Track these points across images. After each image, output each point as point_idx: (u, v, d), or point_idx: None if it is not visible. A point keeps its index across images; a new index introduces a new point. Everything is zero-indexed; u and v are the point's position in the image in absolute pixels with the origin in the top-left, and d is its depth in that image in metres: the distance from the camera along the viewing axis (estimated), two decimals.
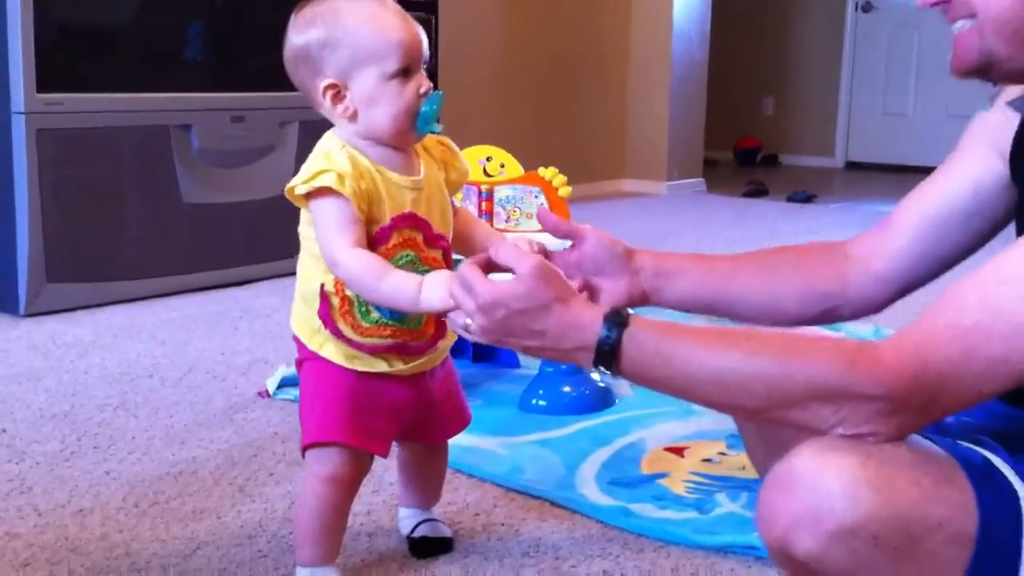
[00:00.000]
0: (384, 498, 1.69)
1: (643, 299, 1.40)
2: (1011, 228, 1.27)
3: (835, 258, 1.39)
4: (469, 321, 1.16)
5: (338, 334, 1.36)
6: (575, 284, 1.34)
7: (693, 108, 6.27)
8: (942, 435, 1.14)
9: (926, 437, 1.12)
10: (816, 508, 1.01)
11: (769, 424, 1.16)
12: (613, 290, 1.37)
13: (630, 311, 1.13)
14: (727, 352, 1.08)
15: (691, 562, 1.56)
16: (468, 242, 1.47)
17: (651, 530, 1.64)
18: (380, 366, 1.38)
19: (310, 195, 1.31)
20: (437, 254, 1.39)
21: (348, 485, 1.42)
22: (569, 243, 1.37)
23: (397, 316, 1.35)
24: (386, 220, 1.33)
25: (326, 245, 1.31)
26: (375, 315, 1.35)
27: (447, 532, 1.60)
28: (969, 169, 1.30)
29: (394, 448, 1.50)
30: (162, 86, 3.22)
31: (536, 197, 2.46)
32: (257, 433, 2.06)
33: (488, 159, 2.50)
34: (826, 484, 1.01)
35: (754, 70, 8.24)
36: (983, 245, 1.33)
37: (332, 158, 1.32)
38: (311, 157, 1.35)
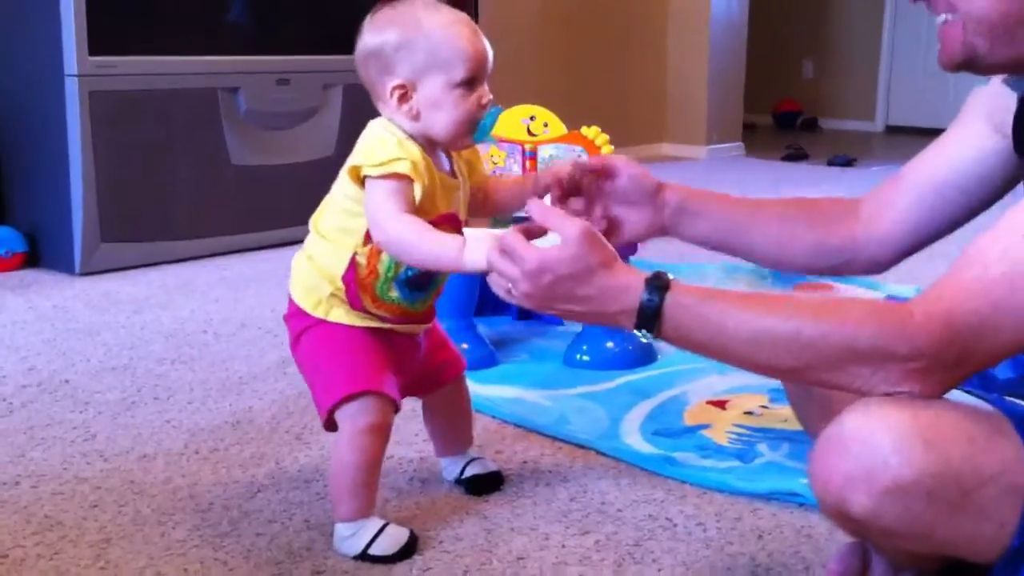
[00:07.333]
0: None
1: (662, 232, 1.46)
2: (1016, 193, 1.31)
3: (847, 217, 1.45)
4: (510, 286, 1.19)
5: (354, 301, 1.41)
6: (597, 213, 1.42)
7: (732, 71, 6.24)
8: (988, 390, 1.17)
9: (972, 393, 1.15)
10: (870, 466, 1.03)
11: (808, 386, 1.19)
12: (636, 221, 1.44)
13: (671, 276, 1.15)
14: (764, 314, 1.11)
15: (734, 508, 1.60)
16: (510, 203, 1.53)
17: (694, 478, 1.68)
18: (385, 325, 1.45)
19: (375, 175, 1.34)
20: None
21: (385, 433, 1.45)
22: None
23: (412, 299, 1.43)
24: (432, 217, 1.37)
25: (377, 210, 1.33)
26: (395, 294, 1.41)
27: (495, 467, 1.66)
28: (972, 139, 1.34)
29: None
30: (210, 49, 3.27)
31: (579, 156, 2.49)
32: None
33: (532, 118, 2.52)
34: (878, 442, 1.02)
35: (794, 32, 8.17)
36: (981, 212, 1.38)
37: (405, 147, 1.35)
38: (374, 140, 1.37)
